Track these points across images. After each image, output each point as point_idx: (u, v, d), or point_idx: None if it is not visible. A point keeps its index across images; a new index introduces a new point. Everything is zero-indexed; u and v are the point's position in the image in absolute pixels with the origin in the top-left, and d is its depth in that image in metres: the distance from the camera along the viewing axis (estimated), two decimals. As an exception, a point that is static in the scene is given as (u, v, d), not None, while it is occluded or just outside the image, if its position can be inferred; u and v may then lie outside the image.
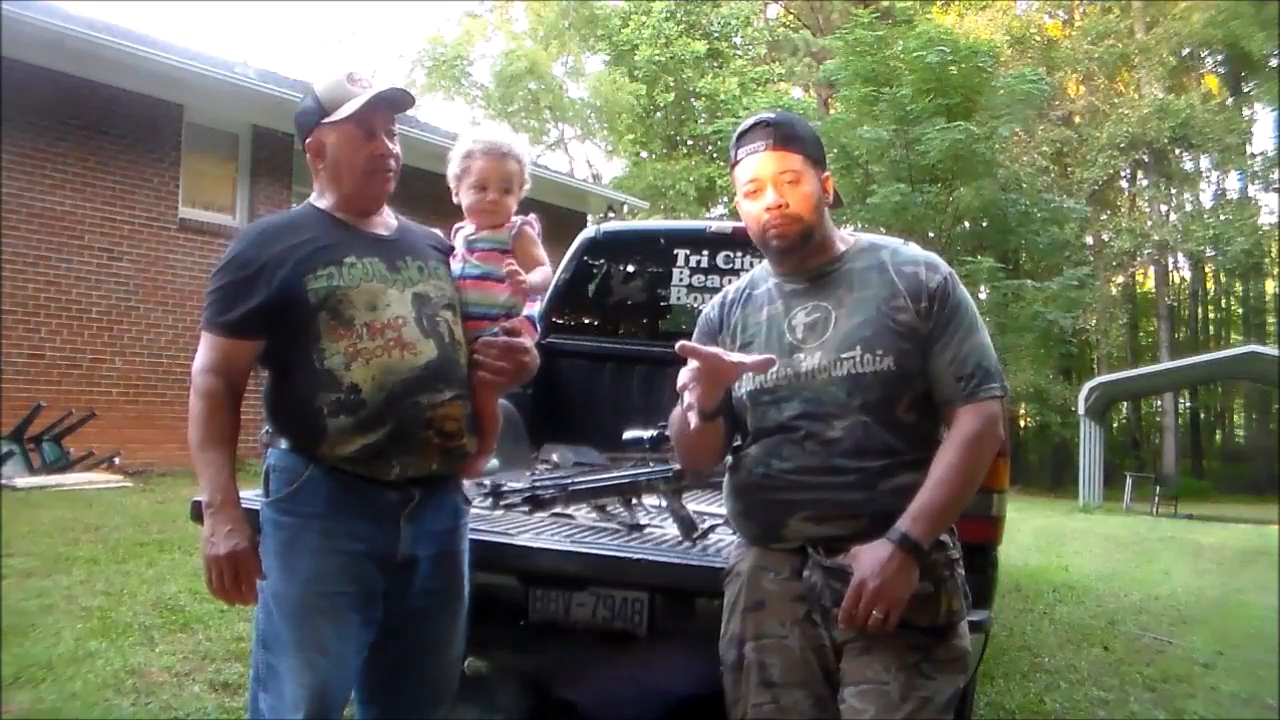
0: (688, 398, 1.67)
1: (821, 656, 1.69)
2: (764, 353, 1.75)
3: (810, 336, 1.74)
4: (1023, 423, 24.29)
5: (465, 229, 2.12)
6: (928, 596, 1.65)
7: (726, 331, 1.88)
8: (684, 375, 1.68)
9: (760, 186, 1.77)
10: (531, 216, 2.13)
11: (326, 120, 1.91)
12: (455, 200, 2.13)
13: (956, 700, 1.69)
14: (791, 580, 1.72)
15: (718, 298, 1.97)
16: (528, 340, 2.05)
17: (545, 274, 2.13)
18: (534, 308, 2.13)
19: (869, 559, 1.61)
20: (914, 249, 1.86)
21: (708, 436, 1.81)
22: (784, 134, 1.77)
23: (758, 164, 1.77)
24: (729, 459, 1.87)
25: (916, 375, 1.72)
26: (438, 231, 2.16)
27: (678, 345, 1.68)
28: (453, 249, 2.11)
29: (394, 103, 1.95)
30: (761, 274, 1.91)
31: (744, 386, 1.77)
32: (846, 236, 1.87)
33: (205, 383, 1.84)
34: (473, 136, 2.14)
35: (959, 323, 1.74)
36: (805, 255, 1.80)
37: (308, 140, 1.96)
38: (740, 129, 1.83)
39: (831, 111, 20.00)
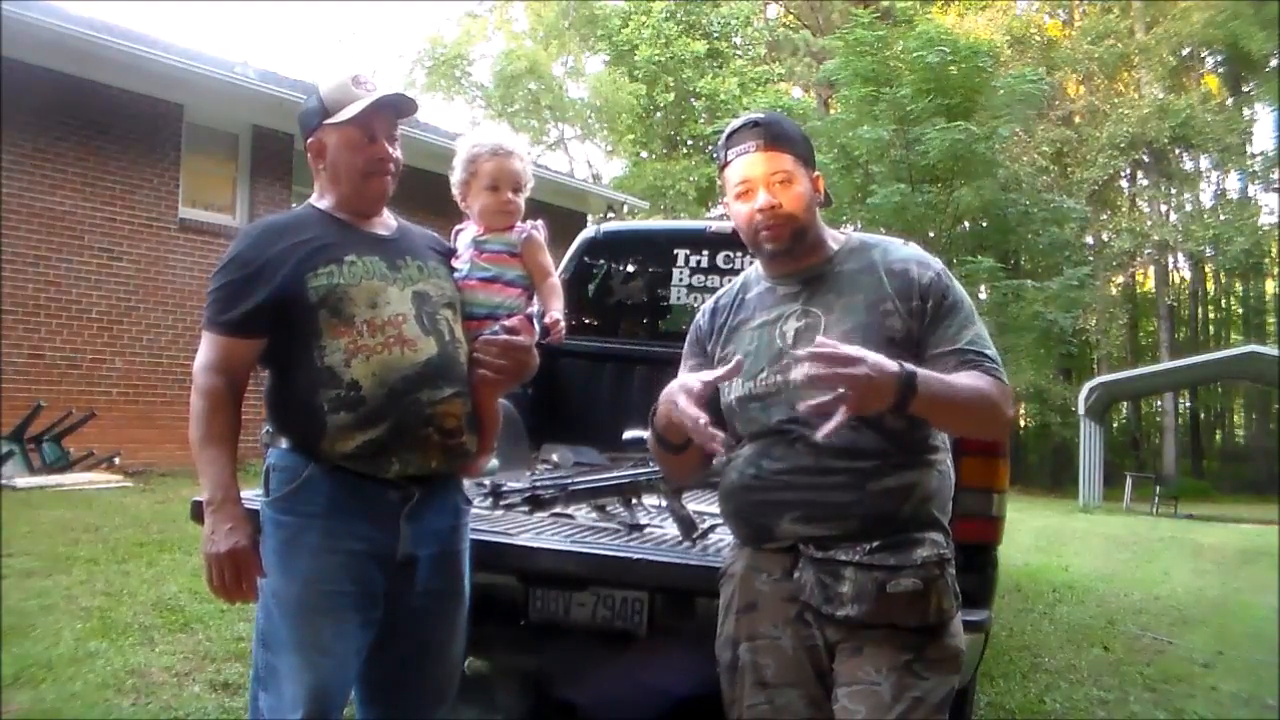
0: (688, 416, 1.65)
1: (814, 656, 1.69)
2: (755, 359, 1.75)
3: (800, 343, 1.71)
4: (1023, 423, 24.27)
5: (468, 230, 2.12)
6: (917, 595, 1.64)
7: (717, 340, 1.87)
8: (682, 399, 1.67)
9: (752, 187, 1.76)
10: (539, 222, 2.12)
11: (329, 121, 1.91)
12: (463, 206, 2.12)
13: (951, 699, 1.68)
14: (783, 581, 1.72)
15: (709, 304, 1.96)
16: (528, 339, 2.04)
17: (559, 291, 2.12)
18: (534, 306, 2.12)
19: (876, 357, 1.54)
20: (907, 248, 1.83)
21: (685, 459, 1.83)
22: (774, 134, 1.76)
23: (748, 165, 1.76)
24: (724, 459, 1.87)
25: None
26: (434, 234, 2.15)
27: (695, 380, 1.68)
28: (453, 251, 2.10)
29: (397, 108, 1.96)
30: (754, 276, 1.90)
31: (733, 392, 1.76)
32: (838, 235, 1.85)
33: (206, 381, 1.84)
34: (472, 141, 2.12)
35: (954, 316, 1.72)
36: (797, 256, 1.78)
37: (309, 140, 1.97)
38: (728, 130, 1.81)
39: (831, 111, 19.99)
